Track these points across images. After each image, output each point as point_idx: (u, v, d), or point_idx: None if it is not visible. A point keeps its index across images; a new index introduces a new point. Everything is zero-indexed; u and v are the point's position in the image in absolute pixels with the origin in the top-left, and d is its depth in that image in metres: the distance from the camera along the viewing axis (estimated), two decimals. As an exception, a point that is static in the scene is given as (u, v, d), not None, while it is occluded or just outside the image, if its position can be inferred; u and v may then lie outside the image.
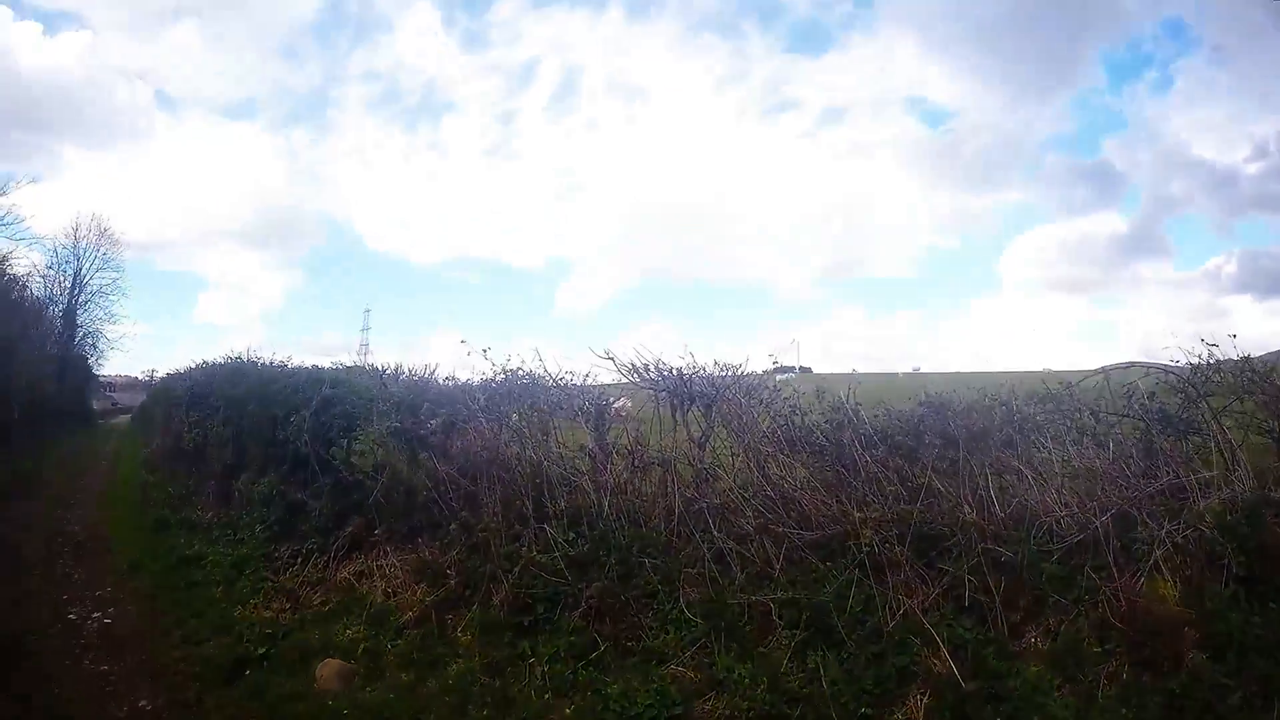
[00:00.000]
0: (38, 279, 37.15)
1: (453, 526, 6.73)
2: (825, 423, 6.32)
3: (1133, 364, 6.23)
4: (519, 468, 6.94)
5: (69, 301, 40.10)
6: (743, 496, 5.98)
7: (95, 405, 46.26)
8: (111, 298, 41.45)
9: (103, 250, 40.84)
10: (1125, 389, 6.02)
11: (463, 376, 9.02)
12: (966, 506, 5.32)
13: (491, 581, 6.22)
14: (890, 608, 4.97)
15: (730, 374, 7.09)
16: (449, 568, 6.60)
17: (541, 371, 7.64)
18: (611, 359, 7.14)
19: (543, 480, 6.76)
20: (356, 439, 7.92)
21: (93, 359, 43.18)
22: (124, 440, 27.08)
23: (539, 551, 6.17)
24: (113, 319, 41.66)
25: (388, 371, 10.26)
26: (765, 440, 6.54)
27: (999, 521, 5.20)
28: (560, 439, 7.22)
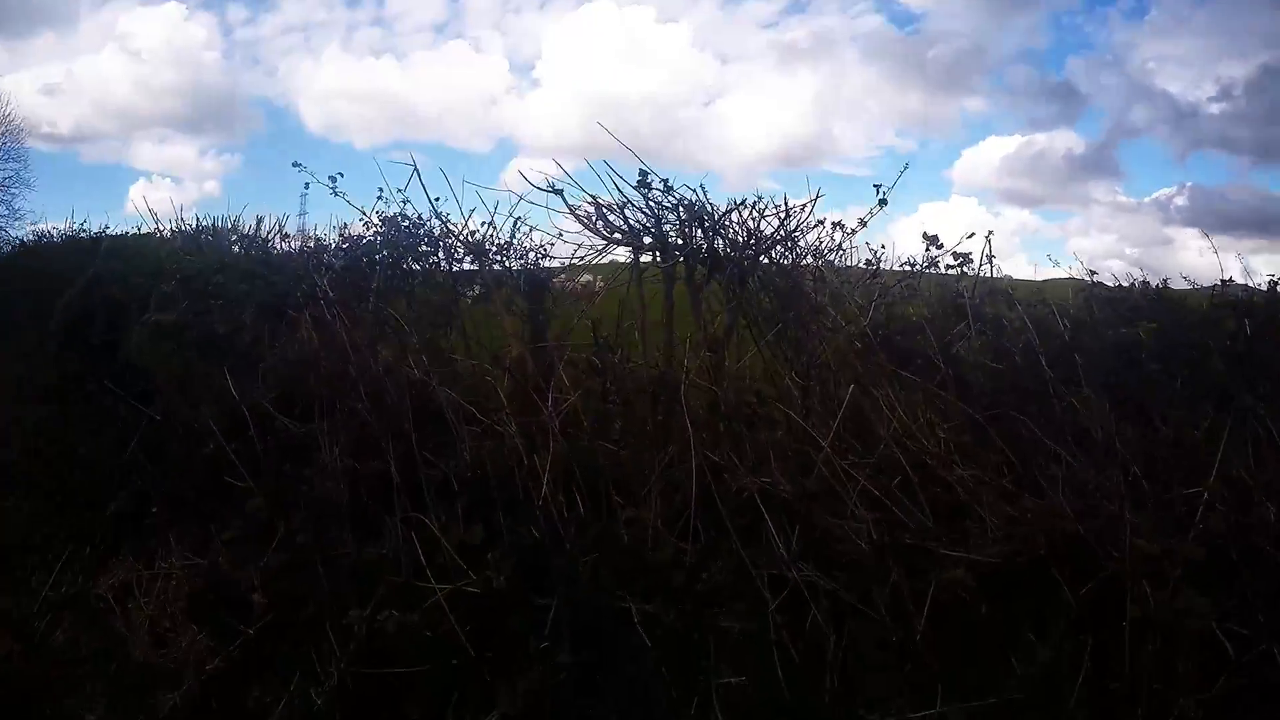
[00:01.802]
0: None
1: (253, 506, 3.53)
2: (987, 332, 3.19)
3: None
4: (387, 392, 3.70)
5: None
6: (835, 473, 2.83)
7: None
8: (13, 191, 36.26)
9: (3, 139, 35.40)
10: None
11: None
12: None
13: (323, 631, 3.12)
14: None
15: (783, 218, 3.78)
16: (254, 591, 3.46)
17: (436, 221, 4.22)
18: (558, 191, 3.75)
19: (429, 418, 3.58)
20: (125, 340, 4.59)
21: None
22: None
23: (413, 575, 3.05)
24: (17, 215, 36.53)
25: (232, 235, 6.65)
26: (856, 352, 3.40)
27: None
28: (466, 339, 3.97)
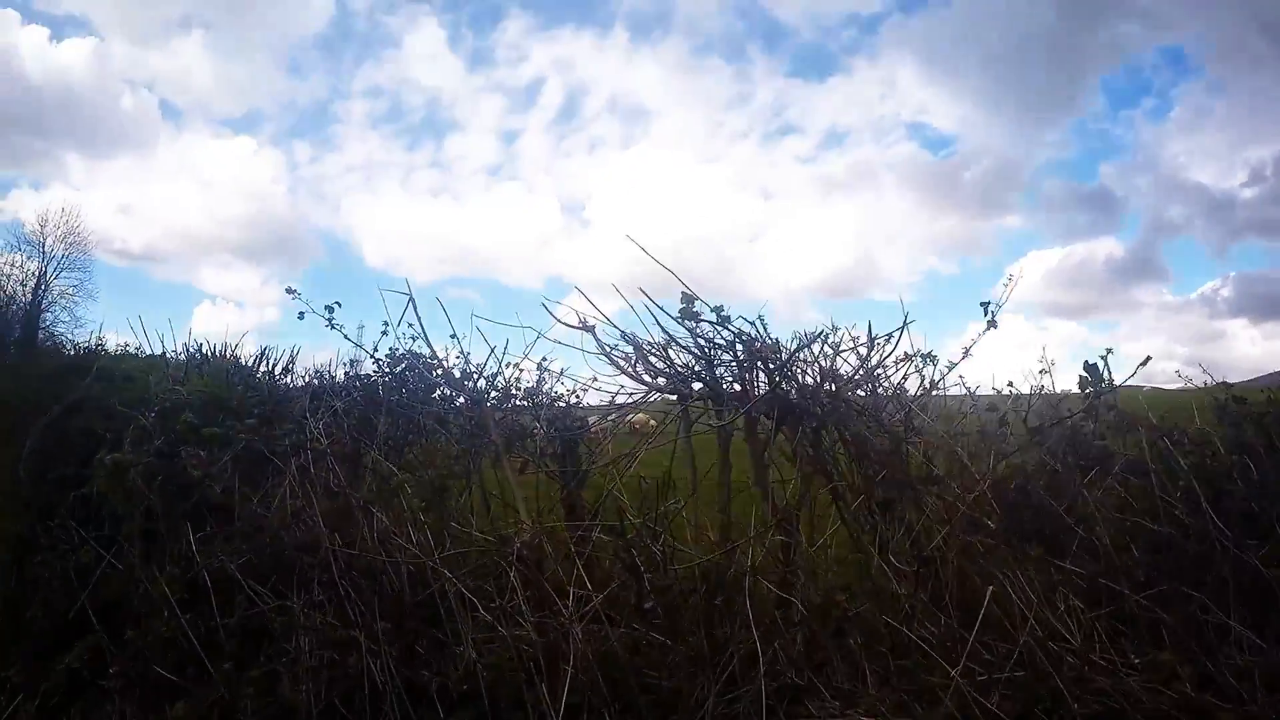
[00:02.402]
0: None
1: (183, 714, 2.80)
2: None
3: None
4: (379, 570, 3.02)
5: (32, 301, 36.16)
6: (966, 702, 2.08)
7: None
8: (77, 300, 37.36)
9: (70, 249, 36.90)
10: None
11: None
12: None
13: None
14: None
15: (864, 355, 3.17)
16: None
17: (454, 360, 3.65)
18: (590, 328, 3.19)
19: (427, 604, 2.88)
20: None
21: (57, 361, 38.99)
22: None
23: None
24: (79, 323, 37.48)
25: (236, 363, 6.08)
26: (972, 524, 2.72)
27: None
28: (486, 499, 3.30)
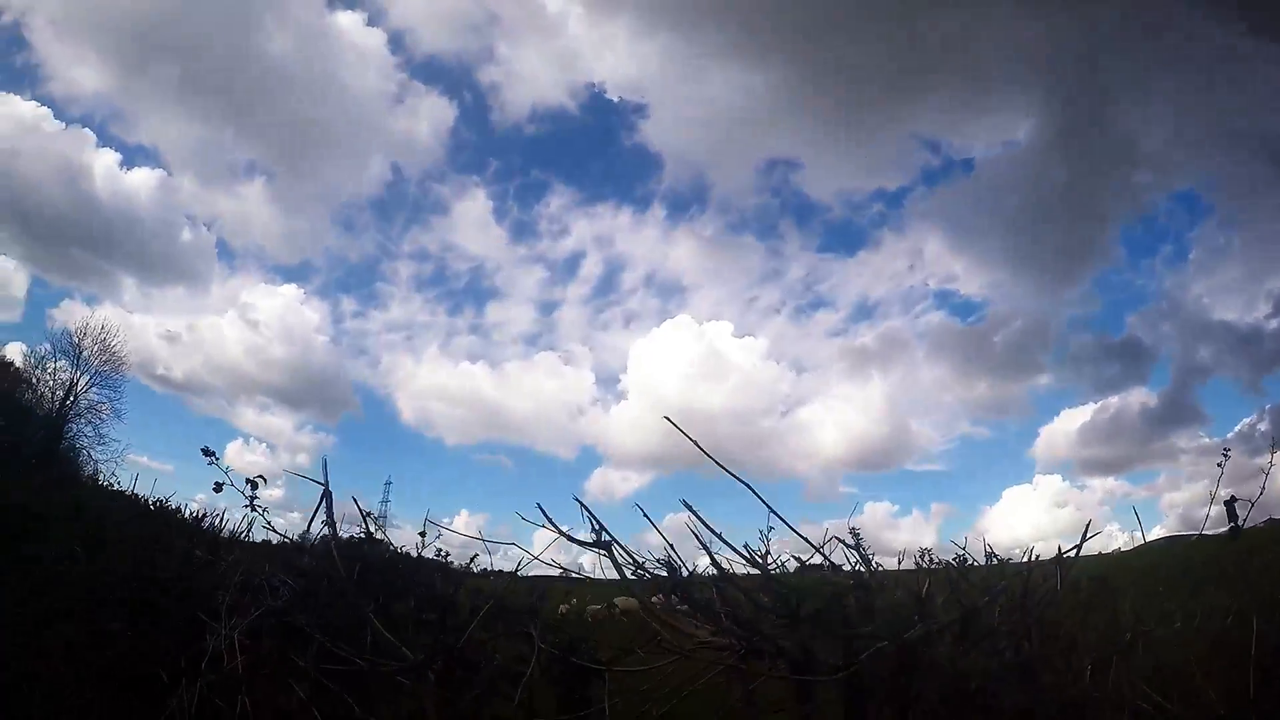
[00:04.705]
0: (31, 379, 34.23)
1: None
2: None
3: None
4: None
5: (59, 409, 35.86)
6: None
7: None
8: (103, 417, 37.29)
9: (105, 365, 37.32)
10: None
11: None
12: None
13: None
14: None
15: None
16: None
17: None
18: (605, 545, 2.23)
19: None
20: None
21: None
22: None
23: None
24: (102, 440, 37.25)
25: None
26: None
27: None
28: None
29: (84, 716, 2.36)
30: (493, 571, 3.21)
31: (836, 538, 2.20)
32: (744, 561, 2.27)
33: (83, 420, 36.31)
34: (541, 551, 2.48)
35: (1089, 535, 1.91)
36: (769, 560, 2.16)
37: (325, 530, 2.88)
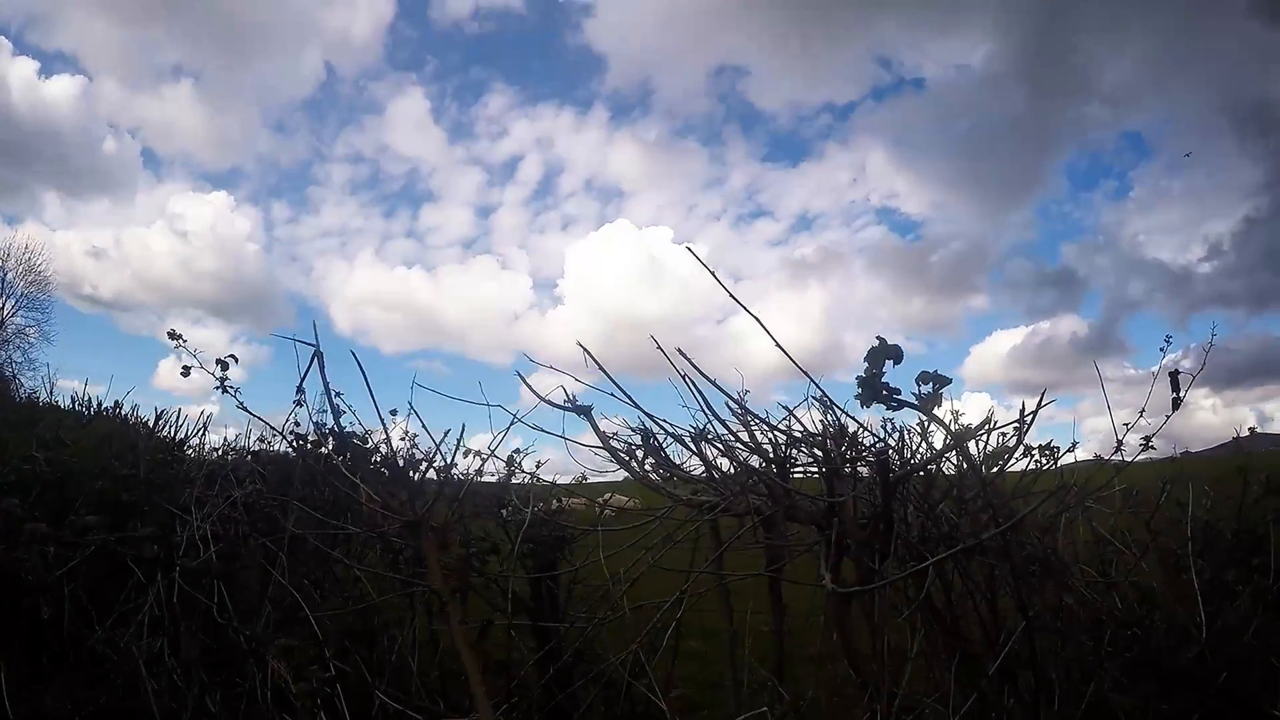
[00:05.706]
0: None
1: None
2: None
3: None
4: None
5: None
6: None
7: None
8: (32, 341, 34.75)
9: (30, 288, 34.60)
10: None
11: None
12: None
13: None
14: None
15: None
16: None
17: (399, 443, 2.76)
18: (585, 410, 2.34)
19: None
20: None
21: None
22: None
23: None
24: (32, 365, 34.78)
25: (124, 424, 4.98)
26: None
27: None
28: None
29: (63, 612, 2.41)
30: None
31: (813, 396, 2.28)
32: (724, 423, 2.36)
33: (11, 345, 34.08)
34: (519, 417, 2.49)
35: (1043, 403, 2.07)
36: (750, 419, 2.30)
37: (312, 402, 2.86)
